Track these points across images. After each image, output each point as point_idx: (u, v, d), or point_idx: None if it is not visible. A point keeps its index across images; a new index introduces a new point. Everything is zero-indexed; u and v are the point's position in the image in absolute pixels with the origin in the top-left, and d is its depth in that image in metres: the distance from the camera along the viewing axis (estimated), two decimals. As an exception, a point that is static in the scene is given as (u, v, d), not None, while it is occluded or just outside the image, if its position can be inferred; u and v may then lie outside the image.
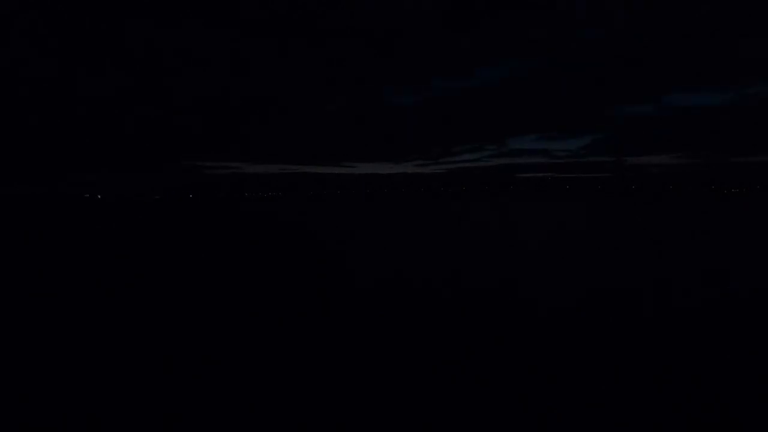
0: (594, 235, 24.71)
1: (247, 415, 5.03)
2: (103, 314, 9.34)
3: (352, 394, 5.54)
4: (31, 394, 5.64)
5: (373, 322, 8.53)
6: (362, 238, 25.62)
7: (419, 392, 5.56)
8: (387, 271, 14.01)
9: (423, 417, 4.96)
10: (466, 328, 8.10)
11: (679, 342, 7.22)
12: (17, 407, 5.30)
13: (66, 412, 5.15)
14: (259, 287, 11.86)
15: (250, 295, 10.99)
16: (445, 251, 18.55)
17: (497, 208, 68.98)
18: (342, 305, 9.85)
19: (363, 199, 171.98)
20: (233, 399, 5.43)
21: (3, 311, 9.72)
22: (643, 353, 6.75)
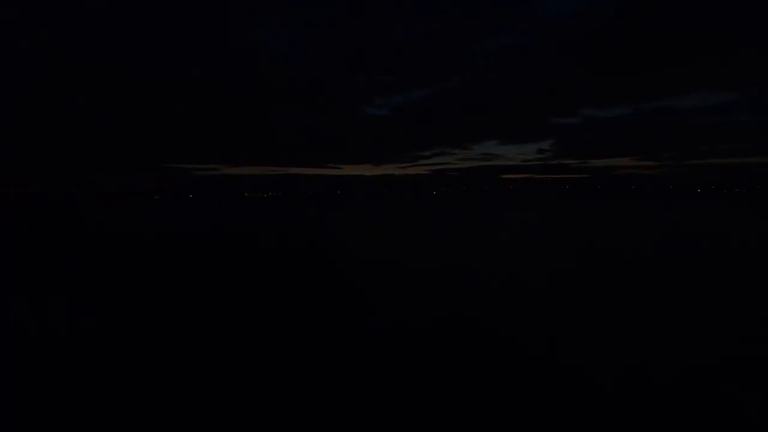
0: (562, 230, 24.75)
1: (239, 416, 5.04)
2: (100, 313, 9.34)
3: (332, 389, 5.55)
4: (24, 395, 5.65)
5: (363, 320, 8.54)
6: (350, 233, 25.63)
7: (405, 386, 5.57)
8: (374, 266, 14.02)
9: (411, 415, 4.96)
10: (453, 326, 8.11)
11: (650, 337, 7.25)
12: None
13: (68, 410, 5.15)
14: (251, 286, 11.85)
15: (241, 294, 10.98)
16: (430, 246, 18.56)
17: (473, 204, 69.59)
18: (332, 301, 9.85)
19: (349, 199, 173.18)
20: (228, 397, 5.44)
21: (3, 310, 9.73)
22: (619, 349, 6.77)
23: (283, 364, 6.52)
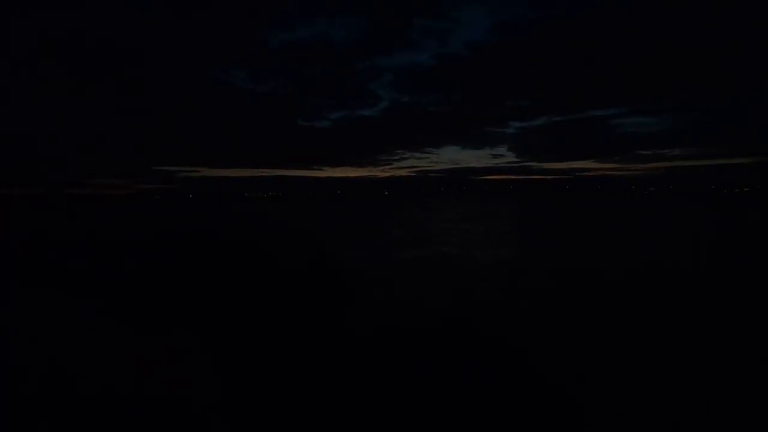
0: (532, 225, 24.81)
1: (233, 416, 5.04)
2: (97, 311, 9.33)
3: (314, 392, 5.55)
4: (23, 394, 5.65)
5: (361, 320, 8.54)
6: (336, 232, 25.64)
7: (392, 388, 5.57)
8: (380, 266, 14.03)
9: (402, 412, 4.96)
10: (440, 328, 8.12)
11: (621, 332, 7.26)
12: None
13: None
14: (250, 286, 11.83)
15: (240, 294, 10.97)
16: (414, 243, 18.58)
17: (452, 203, 70.19)
18: (333, 301, 9.85)
19: (347, 199, 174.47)
20: (228, 396, 5.44)
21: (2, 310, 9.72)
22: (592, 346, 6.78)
23: (281, 364, 6.52)
